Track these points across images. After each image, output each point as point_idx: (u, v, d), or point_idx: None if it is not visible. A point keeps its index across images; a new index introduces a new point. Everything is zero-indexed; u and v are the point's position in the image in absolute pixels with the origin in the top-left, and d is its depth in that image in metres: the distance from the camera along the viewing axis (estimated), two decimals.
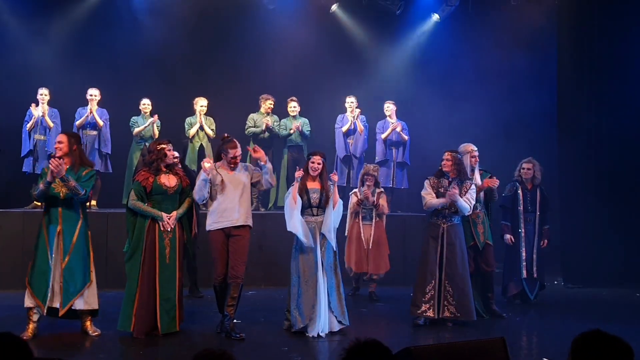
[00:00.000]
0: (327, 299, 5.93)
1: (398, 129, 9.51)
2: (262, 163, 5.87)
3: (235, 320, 5.91)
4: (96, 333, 5.73)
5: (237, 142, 5.95)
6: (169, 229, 5.75)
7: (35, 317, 5.58)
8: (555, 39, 10.36)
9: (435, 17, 10.75)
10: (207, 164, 5.69)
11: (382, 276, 7.89)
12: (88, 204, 8.74)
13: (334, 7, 10.62)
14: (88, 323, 5.76)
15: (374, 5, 10.56)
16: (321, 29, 10.63)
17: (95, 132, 9.01)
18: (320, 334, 5.84)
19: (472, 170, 6.86)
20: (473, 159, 6.88)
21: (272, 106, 9.60)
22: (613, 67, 9.69)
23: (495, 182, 6.95)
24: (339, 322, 6.00)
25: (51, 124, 8.74)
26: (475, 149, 6.92)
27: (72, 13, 9.93)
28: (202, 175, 5.73)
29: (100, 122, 8.98)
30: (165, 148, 5.90)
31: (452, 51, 10.78)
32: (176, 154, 6.52)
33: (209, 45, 10.44)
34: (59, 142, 5.67)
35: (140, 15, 9.94)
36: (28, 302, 5.55)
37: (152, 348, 5.51)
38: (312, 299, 5.85)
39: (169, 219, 5.76)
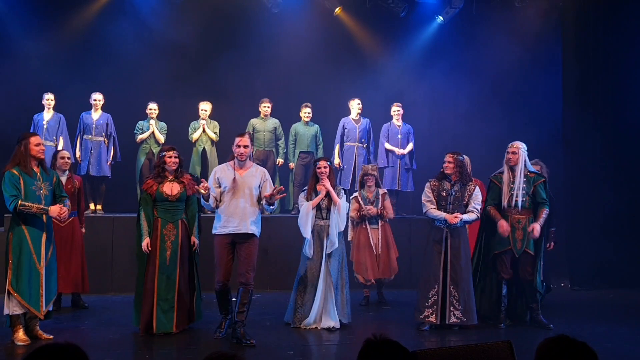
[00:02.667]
0: (333, 298, 6.25)
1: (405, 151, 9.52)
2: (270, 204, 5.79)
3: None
4: (50, 337, 5.67)
5: (247, 133, 6.04)
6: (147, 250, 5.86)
7: (22, 321, 5.52)
8: (559, 40, 10.32)
9: (440, 19, 10.74)
10: (202, 190, 5.60)
11: (391, 279, 7.83)
12: (92, 207, 8.85)
13: (338, 10, 10.61)
14: (38, 328, 5.70)
15: (378, 8, 10.55)
16: (325, 32, 10.62)
17: (101, 138, 9.01)
18: (314, 327, 6.21)
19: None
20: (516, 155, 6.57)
21: (268, 109, 9.62)
22: (618, 68, 9.65)
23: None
24: (340, 320, 6.29)
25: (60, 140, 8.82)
26: (518, 145, 6.66)
27: (77, 16, 9.95)
28: (202, 202, 5.83)
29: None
30: (165, 155, 6.00)
31: (456, 53, 10.75)
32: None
33: (214, 49, 10.43)
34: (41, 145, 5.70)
35: (145, 19, 9.95)
36: (16, 309, 5.45)
37: (158, 351, 5.49)
38: (312, 297, 6.26)
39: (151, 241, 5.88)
